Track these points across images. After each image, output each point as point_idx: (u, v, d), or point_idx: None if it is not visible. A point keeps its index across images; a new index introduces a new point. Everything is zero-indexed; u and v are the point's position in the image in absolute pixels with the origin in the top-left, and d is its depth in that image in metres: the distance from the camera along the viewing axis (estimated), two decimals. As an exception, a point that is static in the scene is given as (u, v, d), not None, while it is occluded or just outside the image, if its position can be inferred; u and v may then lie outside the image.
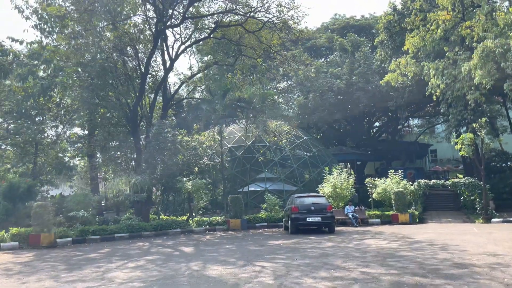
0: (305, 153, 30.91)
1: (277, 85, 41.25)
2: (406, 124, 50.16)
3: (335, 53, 38.29)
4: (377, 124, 47.27)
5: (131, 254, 12.08)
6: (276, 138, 26.50)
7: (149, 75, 24.60)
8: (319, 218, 16.18)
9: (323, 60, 39.80)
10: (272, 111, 21.77)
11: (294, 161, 29.89)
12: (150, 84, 25.65)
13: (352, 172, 43.44)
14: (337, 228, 19.09)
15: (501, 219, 20.61)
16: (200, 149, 23.87)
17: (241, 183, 29.08)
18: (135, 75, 23.78)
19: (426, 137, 51.49)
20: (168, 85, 25.51)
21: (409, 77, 29.47)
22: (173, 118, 27.89)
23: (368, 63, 34.76)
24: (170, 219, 21.18)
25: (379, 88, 33.95)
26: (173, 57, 23.21)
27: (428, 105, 41.53)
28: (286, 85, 40.50)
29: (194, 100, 26.46)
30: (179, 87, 25.53)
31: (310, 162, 30.16)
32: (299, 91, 35.17)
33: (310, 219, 16.15)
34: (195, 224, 19.93)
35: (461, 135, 22.32)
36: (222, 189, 28.85)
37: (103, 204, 32.77)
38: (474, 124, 21.72)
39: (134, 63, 22.39)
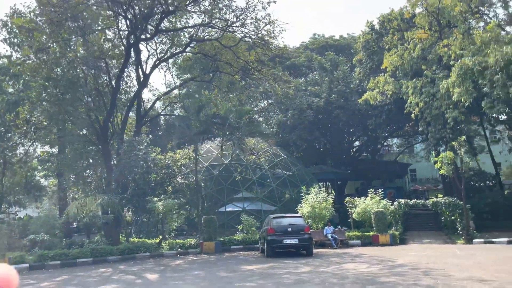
0: (284, 172, 30.22)
1: (257, 104, 40.79)
2: (385, 143, 50.26)
3: (314, 72, 38.18)
4: (357, 143, 47.16)
5: (88, 283, 10.94)
6: (254, 156, 25.73)
7: (122, 91, 23.70)
8: (297, 240, 15.32)
9: (302, 79, 39.60)
10: (249, 128, 21.03)
11: (273, 180, 29.12)
12: (123, 100, 24.72)
13: (333, 192, 42.97)
14: (315, 250, 18.25)
15: (482, 240, 20.12)
16: (174, 167, 22.83)
17: (218, 203, 28.07)
18: (106, 90, 22.85)
19: (406, 156, 51.68)
20: (142, 101, 24.57)
21: (388, 96, 29.40)
22: (148, 135, 26.82)
23: (347, 82, 34.70)
24: (140, 242, 19.99)
25: (358, 106, 33.80)
26: (147, 72, 22.41)
27: (407, 124, 41.69)
28: (266, 104, 40.07)
29: (170, 117, 25.51)
30: (154, 103, 24.66)
31: (289, 181, 29.42)
32: (278, 109, 34.67)
33: (287, 241, 15.27)
34: (167, 247, 18.78)
35: (441, 154, 21.99)
36: (199, 210, 27.81)
37: (75, 226, 31.20)
38: (453, 143, 21.44)
39: (105, 77, 21.44)
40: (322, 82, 35.23)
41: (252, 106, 41.48)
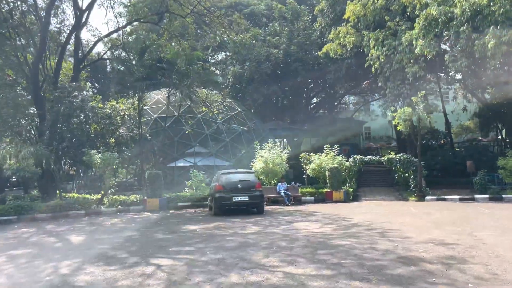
0: (240, 126, 28.82)
1: (213, 56, 38.44)
2: (342, 100, 49.84)
3: (274, 22, 35.98)
4: (315, 100, 46.33)
5: (-4, 247, 9.24)
6: (206, 109, 24.01)
7: (56, 30, 20.86)
8: (247, 197, 14.17)
9: (262, 29, 37.33)
10: (199, 76, 19.12)
11: (227, 134, 27.69)
12: (59, 40, 21.86)
13: (289, 148, 42.38)
14: (268, 207, 17.35)
15: (434, 197, 20.02)
16: (117, 117, 20.73)
17: (168, 157, 26.42)
18: (36, 28, 19.94)
19: (361, 114, 51.82)
20: (81, 43, 21.77)
21: (349, 49, 28.17)
22: (89, 82, 24.14)
23: (308, 34, 33.03)
24: (74, 199, 18.22)
25: (318, 60, 32.48)
26: (83, 8, 19.60)
27: (365, 82, 41.17)
28: (223, 56, 37.76)
29: (112, 61, 22.85)
30: (94, 45, 21.97)
31: (244, 136, 28.13)
32: (234, 60, 32.62)
33: (237, 198, 14.09)
34: (106, 204, 17.15)
35: (399, 110, 21.29)
36: (149, 164, 26.09)
37: (14, 180, 28.58)
38: (413, 98, 20.72)
39: (34, 12, 18.53)
40: (282, 32, 33.30)
41: (208, 57, 39.16)
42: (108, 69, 31.13)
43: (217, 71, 35.64)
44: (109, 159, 16.96)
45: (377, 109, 45.83)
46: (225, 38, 36.14)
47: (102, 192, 19.96)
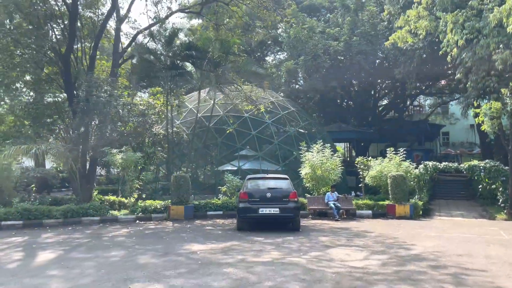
0: (292, 128, 25.88)
1: (267, 53, 35.96)
2: (416, 102, 44.77)
3: (336, 13, 32.55)
4: (385, 102, 41.96)
5: None
6: (251, 107, 21.44)
7: (90, 19, 19.64)
8: (277, 209, 11.27)
9: (321, 22, 34.05)
10: (234, 65, 16.61)
11: (277, 136, 24.91)
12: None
13: (354, 154, 38.42)
14: (311, 222, 14.32)
15: (531, 216, 15.54)
16: (151, 114, 18.91)
17: (210, 160, 24.29)
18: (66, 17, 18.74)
19: (438, 117, 46.33)
20: (119, 36, 20.34)
21: (421, 37, 24.00)
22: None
23: (374, 23, 29.15)
24: (109, 201, 16.64)
25: (385, 52, 28.55)
26: (116, -4, 18.06)
27: (442, 80, 36.13)
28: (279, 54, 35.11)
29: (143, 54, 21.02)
30: (133, 38, 20.38)
31: (297, 138, 25.13)
32: (288, 55, 29.74)
33: (264, 210, 11.24)
34: (125, 211, 15.23)
35: (483, 105, 17.03)
36: (185, 167, 24.19)
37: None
38: (503, 90, 16.38)
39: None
40: (344, 23, 29.80)
41: (264, 55, 36.78)
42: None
43: (273, 69, 33.01)
44: (131, 159, 15.02)
45: (457, 111, 40.24)
46: (280, 31, 33.69)
47: (136, 196, 18.28)
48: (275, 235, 10.65)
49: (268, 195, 11.43)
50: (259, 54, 36.77)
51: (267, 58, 37.97)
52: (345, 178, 27.26)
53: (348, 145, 46.46)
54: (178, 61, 16.37)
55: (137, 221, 14.27)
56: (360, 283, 5.99)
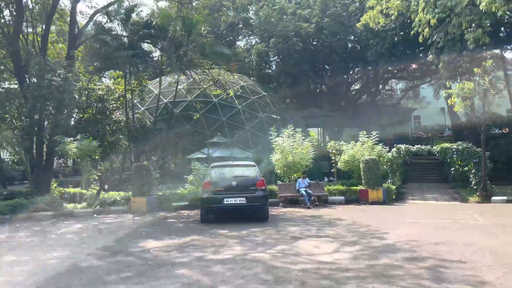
0: (264, 113, 25.05)
1: (237, 34, 34.73)
2: (388, 85, 44.64)
3: (306, -6, 31.62)
4: (357, 87, 41.64)
5: None
6: (219, 91, 20.42)
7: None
8: (243, 198, 10.45)
9: (293, 2, 33.06)
10: (197, 45, 15.50)
11: (248, 122, 24.03)
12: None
13: (327, 139, 38.00)
14: (283, 210, 13.62)
15: (504, 197, 15.32)
16: (111, 100, 17.66)
17: (177, 148, 23.23)
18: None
19: (410, 102, 46.55)
20: (75, 16, 18.81)
21: (392, 17, 23.44)
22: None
23: (345, 4, 28.43)
24: (70, 194, 15.54)
25: (357, 35, 27.94)
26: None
27: (413, 64, 35.95)
28: (246, 33, 33.91)
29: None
30: (90, 19, 18.87)
31: (269, 124, 24.31)
32: (259, 37, 28.72)
33: (230, 200, 10.41)
34: (83, 204, 14.12)
35: (457, 85, 16.63)
36: (154, 156, 23.00)
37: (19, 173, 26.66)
38: (475, 69, 15.97)
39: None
40: (315, 4, 28.94)
41: (234, 38, 35.54)
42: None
43: (244, 53, 31.91)
44: (87, 148, 13.84)
45: (428, 94, 40.40)
46: (251, 14, 32.55)
47: (97, 187, 17.14)
48: (241, 227, 9.85)
49: (234, 183, 10.59)
50: (230, 38, 35.58)
51: (239, 43, 36.83)
52: (318, 164, 26.80)
53: (321, 130, 46.15)
54: (136, 41, 15.18)
55: (95, 215, 13.18)
56: (328, 282, 5.26)
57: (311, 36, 27.52)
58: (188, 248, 7.65)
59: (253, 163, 11.78)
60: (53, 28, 23.74)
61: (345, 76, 37.07)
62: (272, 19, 27.10)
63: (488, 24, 17.33)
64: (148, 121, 19.37)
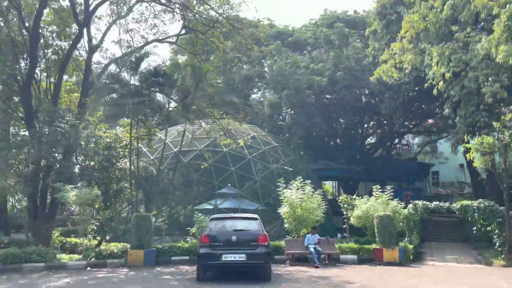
0: (275, 164, 24.46)
1: (252, 87, 35.11)
2: (404, 140, 43.97)
3: (320, 49, 32.12)
4: (371, 140, 41.13)
5: None
6: (229, 141, 20.08)
7: (55, 46, 18.49)
8: (243, 255, 9.59)
9: (306, 57, 33.54)
10: (205, 94, 15.32)
11: (258, 173, 23.43)
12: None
13: (342, 193, 36.91)
14: (289, 269, 12.61)
15: (532, 262, 14.00)
16: (118, 148, 17.42)
17: (184, 199, 22.58)
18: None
19: (427, 157, 45.50)
20: (90, 65, 19.15)
21: (406, 71, 23.31)
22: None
23: (358, 58, 28.63)
24: (71, 243, 14.90)
25: (371, 87, 27.78)
26: (82, 22, 17.03)
27: (430, 120, 35.50)
28: (261, 87, 34.30)
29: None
30: (105, 68, 19.21)
31: (279, 175, 23.65)
32: (271, 89, 28.86)
33: (228, 257, 9.56)
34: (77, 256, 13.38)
35: (475, 139, 15.88)
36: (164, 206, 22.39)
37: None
38: (495, 123, 15.27)
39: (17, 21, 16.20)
40: (328, 59, 29.22)
41: (250, 91, 35.90)
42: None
43: (257, 105, 32.02)
44: (87, 196, 13.32)
45: (446, 149, 39.42)
46: (266, 69, 33.02)
47: (98, 238, 16.46)
48: (240, 287, 8.93)
49: (234, 238, 9.79)
50: (246, 91, 36.04)
51: (254, 96, 37.18)
52: (331, 218, 25.64)
53: (336, 183, 45.05)
54: (143, 89, 15.14)
55: (88, 268, 12.39)
56: None
57: (324, 89, 27.54)
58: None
59: (255, 216, 11.01)
60: (73, 79, 24.37)
61: (359, 130, 36.68)
62: (285, 72, 27.29)
63: (505, 78, 16.86)
64: (154, 170, 18.94)
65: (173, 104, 16.42)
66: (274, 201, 21.54)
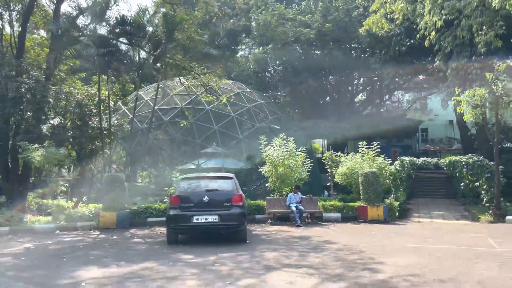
0: (261, 122, 23.58)
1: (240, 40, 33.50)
2: (394, 97, 43.15)
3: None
4: (363, 97, 40.23)
5: None
6: (211, 98, 19.04)
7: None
8: (216, 216, 8.94)
9: (294, 8, 31.80)
10: (179, 44, 14.12)
11: (242, 131, 22.60)
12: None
13: (331, 151, 36.41)
14: (269, 229, 12.09)
15: (521, 217, 13.65)
16: (91, 106, 16.36)
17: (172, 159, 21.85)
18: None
19: (417, 114, 44.97)
20: (59, 15, 17.58)
21: (397, 22, 22.07)
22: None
23: (348, 9, 27.12)
24: (47, 205, 14.24)
25: (360, 41, 26.53)
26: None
27: (420, 75, 34.50)
28: (248, 43, 32.72)
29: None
30: (74, 19, 17.68)
31: (267, 134, 22.79)
32: (257, 43, 27.44)
33: (200, 218, 8.90)
34: (47, 219, 12.68)
35: (466, 92, 15.06)
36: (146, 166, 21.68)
37: None
38: (487, 74, 14.42)
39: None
40: (316, 9, 27.66)
41: (237, 47, 34.30)
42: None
43: (243, 60, 30.60)
44: (53, 156, 12.46)
45: (436, 106, 38.78)
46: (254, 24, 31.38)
47: (75, 200, 15.81)
48: (212, 251, 8.33)
49: (206, 199, 9.09)
50: (233, 47, 34.46)
51: (242, 53, 35.62)
52: (319, 177, 25.19)
53: (325, 141, 44.54)
54: (110, 39, 13.87)
55: (57, 232, 11.74)
56: None
57: (311, 42, 26.18)
58: (130, 280, 6.15)
59: (231, 175, 10.27)
60: (43, 33, 22.73)
61: (349, 87, 35.68)
62: (271, 25, 25.83)
63: (501, 26, 15.84)
64: (129, 128, 17.96)
65: (138, 55, 15.11)
66: (260, 159, 20.93)
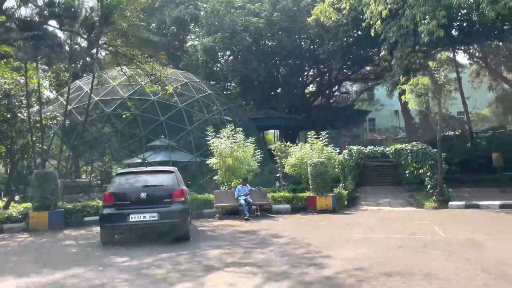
0: (210, 113, 22.86)
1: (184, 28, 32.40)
2: (343, 88, 43.87)
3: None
4: (312, 89, 40.54)
5: None
6: (155, 88, 18.05)
7: None
8: (155, 214, 8.26)
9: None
10: (115, 29, 13.13)
11: (190, 122, 21.78)
12: None
13: (283, 141, 36.38)
14: (216, 223, 11.56)
15: (462, 203, 14.08)
16: (21, 96, 14.92)
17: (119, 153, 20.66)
18: None
19: (365, 104, 46.22)
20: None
21: (344, 12, 22.20)
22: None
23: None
24: None
25: (309, 31, 26.41)
26: None
27: (367, 66, 35.31)
28: (199, 32, 31.73)
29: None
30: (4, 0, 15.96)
31: (215, 125, 22.14)
32: (205, 32, 26.57)
33: (137, 217, 8.19)
34: None
35: (411, 80, 15.24)
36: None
37: None
38: (430, 63, 14.66)
39: None
40: (265, -1, 27.21)
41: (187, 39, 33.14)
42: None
43: (192, 50, 29.57)
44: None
45: (382, 96, 39.91)
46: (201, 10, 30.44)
47: (5, 199, 14.45)
48: (150, 251, 7.68)
49: (143, 195, 8.38)
50: (181, 36, 33.27)
51: (191, 43, 34.52)
52: (272, 168, 24.98)
53: (277, 133, 44.58)
54: (37, 22, 12.59)
55: (-21, 236, 10.53)
56: None
57: (261, 32, 25.73)
58: (49, 291, 5.40)
59: (172, 168, 9.60)
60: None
61: (300, 78, 35.73)
62: (219, 12, 25.08)
63: (443, 16, 16.16)
64: (60, 119, 16.63)
65: (70, 39, 13.90)
66: (210, 152, 20.27)
